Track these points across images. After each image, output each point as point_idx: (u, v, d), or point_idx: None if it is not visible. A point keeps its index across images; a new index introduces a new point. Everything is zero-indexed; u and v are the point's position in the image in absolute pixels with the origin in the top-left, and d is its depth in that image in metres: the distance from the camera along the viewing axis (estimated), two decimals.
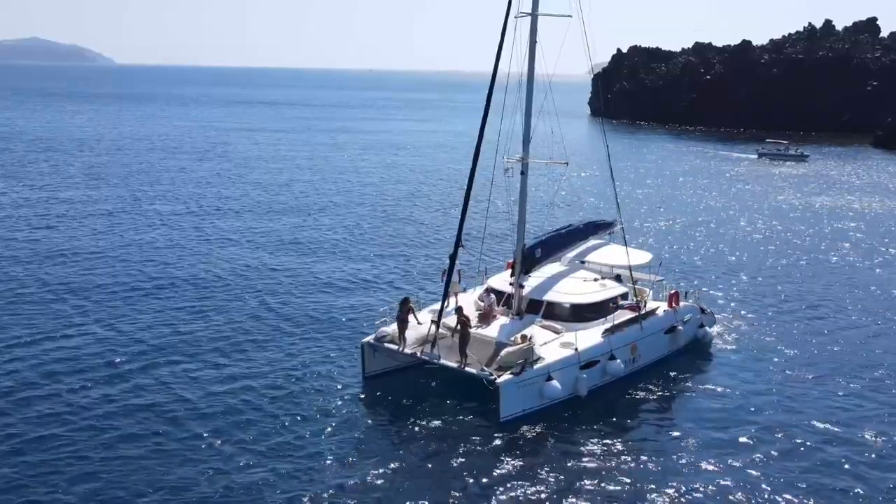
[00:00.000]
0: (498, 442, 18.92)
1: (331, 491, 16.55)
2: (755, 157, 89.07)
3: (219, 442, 18.55)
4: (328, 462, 17.76)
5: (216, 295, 30.68)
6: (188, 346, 24.94)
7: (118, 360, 23.44)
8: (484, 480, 17.16)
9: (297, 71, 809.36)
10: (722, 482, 17.42)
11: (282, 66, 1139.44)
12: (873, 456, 18.91)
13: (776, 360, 25.29)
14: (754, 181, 69.41)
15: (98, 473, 17.00)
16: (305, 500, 16.24)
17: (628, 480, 17.42)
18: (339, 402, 20.95)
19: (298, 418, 19.89)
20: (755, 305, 31.15)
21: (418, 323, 22.14)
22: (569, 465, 17.99)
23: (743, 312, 30.10)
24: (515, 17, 22.79)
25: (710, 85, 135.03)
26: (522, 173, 23.62)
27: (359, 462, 17.81)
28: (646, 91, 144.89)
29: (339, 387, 22.05)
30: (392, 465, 17.71)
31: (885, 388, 23.17)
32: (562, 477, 17.44)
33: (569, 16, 22.65)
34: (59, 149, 77.16)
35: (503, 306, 24.37)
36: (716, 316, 28.34)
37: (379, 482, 16.97)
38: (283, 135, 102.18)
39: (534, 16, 22.71)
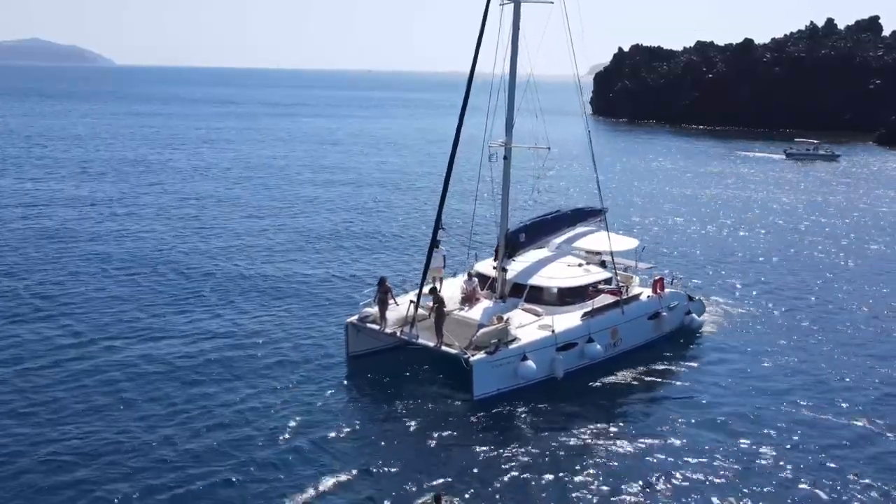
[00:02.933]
0: (472, 420, 19.20)
1: (311, 469, 16.79)
2: (783, 157, 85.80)
3: (202, 418, 18.84)
4: (310, 439, 18.01)
5: (202, 277, 31.15)
6: (173, 326, 25.28)
7: (98, 342, 23.76)
8: (454, 458, 17.40)
9: (297, 72, 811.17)
10: (694, 468, 17.43)
11: (281, 67, 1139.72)
12: (860, 444, 18.83)
13: (765, 349, 25.17)
14: (785, 182, 67.00)
15: (70, 456, 17.19)
16: (286, 477, 16.46)
17: (596, 460, 17.59)
18: (324, 381, 21.28)
19: (283, 396, 20.19)
20: (751, 297, 30.99)
21: (396, 304, 22.44)
22: (540, 444, 18.20)
23: (737, 303, 30.03)
24: (501, 5, 23.12)
25: (711, 84, 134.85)
26: (505, 158, 23.93)
27: (338, 439, 18.08)
28: (647, 90, 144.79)
29: (324, 366, 22.44)
30: (370, 443, 18.03)
31: (873, 378, 22.99)
32: (531, 456, 17.64)
33: (550, 2, 22.92)
34: (48, 145, 77.66)
35: (488, 290, 24.66)
36: (708, 305, 28.48)
37: (357, 459, 17.24)
38: (277, 132, 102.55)
39: (517, 2, 22.97)
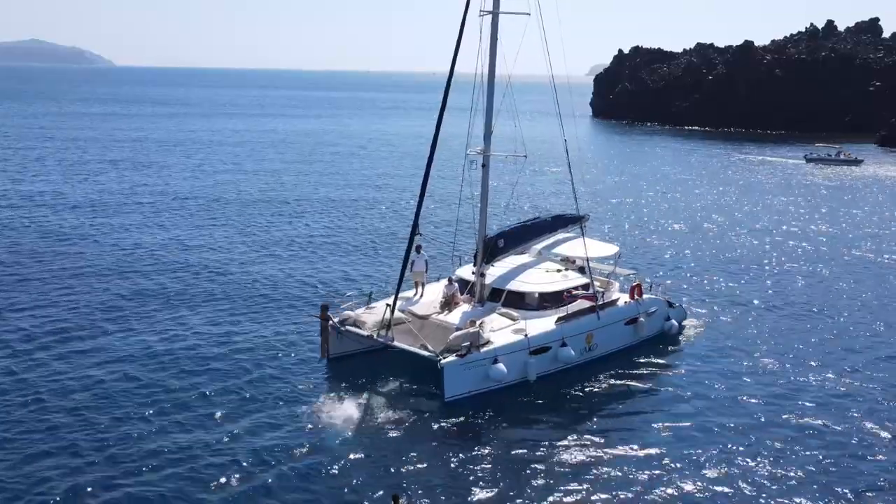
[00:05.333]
0: (441, 421, 19.70)
1: (274, 467, 17.31)
2: (803, 162, 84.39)
3: (180, 416, 19.45)
4: (279, 439, 18.53)
5: (182, 278, 31.97)
6: (151, 327, 25.98)
7: (76, 337, 24.71)
8: (418, 458, 17.86)
9: (296, 72, 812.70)
10: (662, 472, 17.64)
11: (281, 68, 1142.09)
12: (836, 450, 18.94)
13: (745, 356, 25.22)
14: (804, 189, 64.99)
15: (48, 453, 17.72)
16: (248, 475, 16.94)
17: (559, 462, 17.96)
18: (302, 382, 21.82)
19: (261, 397, 20.74)
20: (737, 305, 30.80)
21: (337, 330, 22.86)
22: (504, 445, 18.67)
23: (722, 310, 30.06)
24: (480, 16, 23.68)
25: (712, 85, 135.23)
26: (484, 165, 24.46)
27: (306, 439, 18.59)
28: (648, 92, 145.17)
29: (303, 367, 23.03)
30: (338, 442, 18.50)
31: (853, 386, 23.00)
32: (493, 457, 18.09)
33: (527, 13, 23.45)
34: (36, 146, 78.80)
35: (467, 294, 25.19)
36: (691, 311, 28.78)
37: (322, 458, 17.71)
38: (268, 134, 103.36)
39: (495, 14, 23.50)
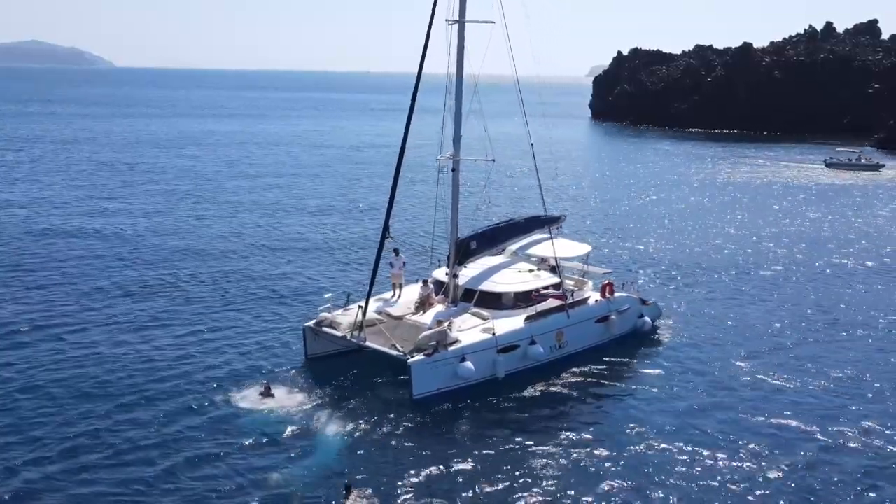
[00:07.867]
0: (406, 418, 20.28)
1: (240, 461, 18.00)
2: (822, 166, 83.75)
3: (162, 416, 20.04)
4: (253, 438, 19.12)
5: (165, 278, 32.90)
6: (132, 323, 26.84)
7: (63, 335, 25.51)
8: (378, 452, 18.46)
9: (298, 73, 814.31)
10: (630, 470, 17.93)
11: (281, 69, 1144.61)
12: (807, 449, 19.23)
13: (718, 354, 25.55)
14: (821, 193, 64.38)
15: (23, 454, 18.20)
16: (225, 469, 17.59)
17: (520, 457, 18.43)
18: (280, 383, 22.31)
19: (237, 396, 21.35)
20: (716, 305, 31.21)
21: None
22: (466, 441, 19.24)
23: (700, 309, 30.45)
24: (448, 25, 24.43)
25: (710, 87, 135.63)
26: (454, 170, 25.20)
27: (280, 437, 19.17)
28: (647, 93, 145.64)
29: (283, 368, 23.61)
30: (310, 441, 19.05)
31: (827, 388, 23.17)
32: (453, 451, 18.60)
33: (492, 22, 24.17)
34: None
35: (442, 295, 25.89)
36: (669, 310, 29.28)
37: (285, 451, 18.38)
38: (259, 135, 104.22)
39: (461, 22, 24.24)
